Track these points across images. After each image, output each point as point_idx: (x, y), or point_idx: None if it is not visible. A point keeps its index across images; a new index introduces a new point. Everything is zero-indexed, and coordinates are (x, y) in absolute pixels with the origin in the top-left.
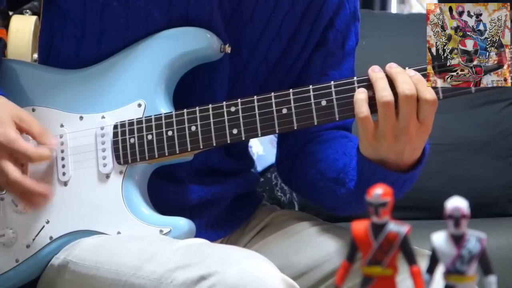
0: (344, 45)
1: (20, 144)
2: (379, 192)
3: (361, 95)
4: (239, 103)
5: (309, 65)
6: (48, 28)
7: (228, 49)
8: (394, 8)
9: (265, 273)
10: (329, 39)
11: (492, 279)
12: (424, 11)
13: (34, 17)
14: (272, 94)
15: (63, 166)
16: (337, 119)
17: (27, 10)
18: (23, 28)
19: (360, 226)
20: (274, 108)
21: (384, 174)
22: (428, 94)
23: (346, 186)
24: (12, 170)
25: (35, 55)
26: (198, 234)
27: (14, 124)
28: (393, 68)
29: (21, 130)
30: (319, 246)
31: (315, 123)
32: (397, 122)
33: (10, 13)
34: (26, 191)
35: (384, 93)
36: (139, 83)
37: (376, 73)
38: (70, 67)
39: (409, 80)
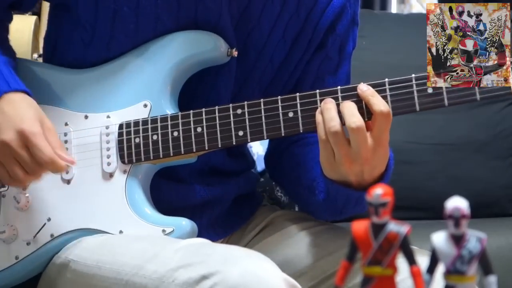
0: (341, 50)
1: (41, 140)
2: (379, 192)
3: (320, 117)
4: (246, 106)
5: (306, 68)
6: (54, 31)
7: (235, 53)
8: (394, 8)
9: (267, 272)
10: (328, 43)
11: (492, 279)
12: (424, 11)
13: (34, 17)
14: (279, 97)
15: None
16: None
17: None
18: (23, 28)
19: (360, 226)
20: (280, 111)
21: (347, 192)
22: (383, 106)
23: (316, 197)
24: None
25: (35, 55)
26: (199, 234)
27: (39, 124)
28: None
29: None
30: (319, 246)
31: None
32: (350, 148)
33: None
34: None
35: (331, 123)
36: (145, 84)
37: (325, 104)
38: (76, 68)
39: (355, 112)
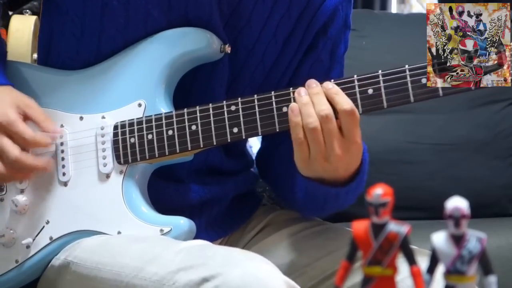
0: (333, 53)
1: (19, 126)
2: (379, 192)
3: (297, 118)
4: (240, 102)
5: (298, 70)
6: (48, 27)
7: (228, 49)
8: (394, 8)
9: (268, 275)
10: (319, 45)
11: (492, 279)
12: (424, 11)
13: (34, 17)
14: (272, 93)
15: (63, 166)
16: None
17: (27, 10)
18: (22, 28)
19: (360, 226)
20: (274, 106)
21: (324, 190)
22: (346, 104)
23: (296, 194)
24: (12, 148)
25: (35, 55)
26: (198, 234)
27: (16, 108)
28: (311, 88)
29: (25, 116)
30: (319, 246)
31: None
32: (325, 144)
33: (10, 13)
34: (27, 168)
35: (309, 119)
36: (139, 83)
37: (301, 97)
38: (70, 66)
39: (324, 101)
